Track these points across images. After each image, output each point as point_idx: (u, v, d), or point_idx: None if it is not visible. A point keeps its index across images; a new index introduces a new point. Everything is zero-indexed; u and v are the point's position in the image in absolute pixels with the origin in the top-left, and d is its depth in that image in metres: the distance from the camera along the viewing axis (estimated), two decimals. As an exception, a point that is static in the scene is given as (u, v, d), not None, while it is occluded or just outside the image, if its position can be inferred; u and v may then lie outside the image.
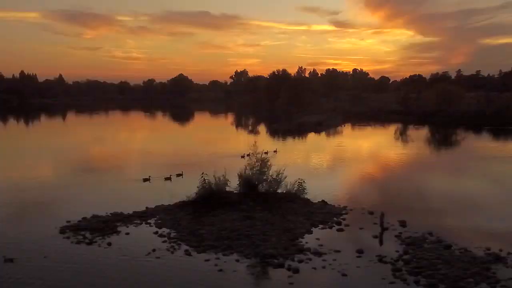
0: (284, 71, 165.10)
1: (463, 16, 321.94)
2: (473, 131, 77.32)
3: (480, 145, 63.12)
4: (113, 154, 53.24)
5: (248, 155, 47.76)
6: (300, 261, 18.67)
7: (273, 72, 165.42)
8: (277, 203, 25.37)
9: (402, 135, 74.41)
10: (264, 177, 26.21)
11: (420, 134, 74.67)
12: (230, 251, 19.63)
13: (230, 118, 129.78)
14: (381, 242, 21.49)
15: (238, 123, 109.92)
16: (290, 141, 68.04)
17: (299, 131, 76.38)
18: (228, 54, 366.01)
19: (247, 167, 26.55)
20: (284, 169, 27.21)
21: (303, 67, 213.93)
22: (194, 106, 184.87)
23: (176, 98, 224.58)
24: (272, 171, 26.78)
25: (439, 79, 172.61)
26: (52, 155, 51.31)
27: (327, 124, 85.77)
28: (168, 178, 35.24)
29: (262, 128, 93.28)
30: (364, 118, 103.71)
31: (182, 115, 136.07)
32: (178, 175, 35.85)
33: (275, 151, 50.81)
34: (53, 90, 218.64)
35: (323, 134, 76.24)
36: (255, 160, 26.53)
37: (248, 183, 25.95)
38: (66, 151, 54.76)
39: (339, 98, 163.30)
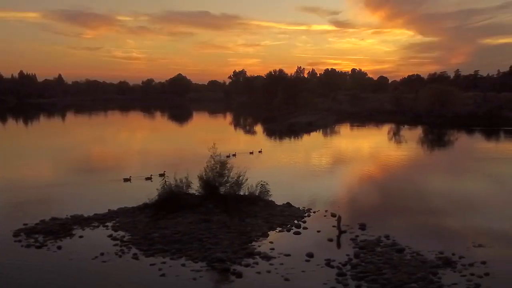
0: (281, 71, 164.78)
1: (463, 16, 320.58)
2: (464, 132, 76.73)
3: (465, 146, 62.87)
4: (102, 154, 53.53)
5: (234, 155, 48.63)
6: (247, 265, 18.48)
7: (270, 72, 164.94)
8: (238, 205, 25.13)
9: (390, 135, 74.05)
10: (225, 180, 25.91)
11: (409, 135, 74.19)
12: (179, 255, 19.47)
13: (227, 118, 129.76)
14: (335, 246, 21.24)
15: (234, 124, 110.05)
16: (278, 141, 68.14)
17: (290, 132, 76.27)
18: (228, 54, 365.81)
19: (207, 169, 26.24)
20: (246, 171, 26.92)
21: (302, 67, 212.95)
22: (193, 106, 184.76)
23: (175, 98, 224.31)
24: (233, 173, 26.44)
25: (437, 79, 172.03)
26: (37, 156, 51.33)
27: (318, 125, 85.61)
28: (149, 178, 35.09)
29: (255, 128, 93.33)
30: (358, 118, 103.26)
31: (179, 115, 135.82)
32: (161, 175, 35.41)
33: (260, 151, 51.05)
34: (52, 90, 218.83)
35: (312, 134, 76.06)
36: (214, 162, 26.18)
37: (208, 185, 25.71)
38: (53, 152, 54.95)
39: (337, 98, 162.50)
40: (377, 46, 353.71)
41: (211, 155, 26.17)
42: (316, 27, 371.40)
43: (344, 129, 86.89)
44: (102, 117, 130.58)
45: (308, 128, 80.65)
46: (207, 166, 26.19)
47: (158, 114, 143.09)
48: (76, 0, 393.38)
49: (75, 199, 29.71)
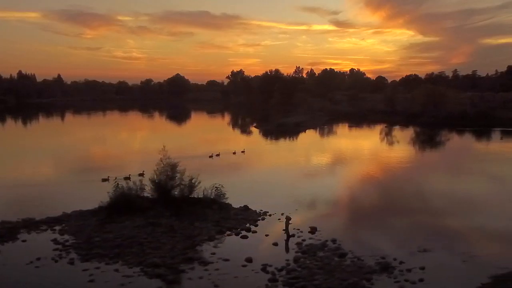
0: (277, 71, 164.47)
1: (463, 16, 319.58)
2: (452, 132, 76.06)
3: (446, 147, 62.42)
4: (90, 154, 53.66)
5: (217, 155, 48.66)
6: (181, 271, 18.25)
7: (266, 72, 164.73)
8: (190, 208, 24.90)
9: (377, 136, 73.83)
10: (177, 183, 25.67)
11: (396, 136, 73.53)
12: (115, 260, 19.22)
13: (222, 118, 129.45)
14: (279, 250, 20.92)
15: (227, 124, 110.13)
16: (263, 141, 68.11)
17: (278, 132, 75.88)
18: (228, 54, 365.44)
19: (157, 172, 26.01)
20: (199, 174, 26.66)
21: (300, 67, 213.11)
22: (191, 106, 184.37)
23: (173, 98, 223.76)
24: (186, 176, 26.19)
25: (434, 79, 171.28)
26: (20, 155, 51.12)
27: (307, 125, 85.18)
28: (127, 178, 34.69)
29: (245, 128, 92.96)
30: (352, 118, 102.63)
31: (176, 116, 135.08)
32: (140, 174, 35.25)
33: (243, 151, 51.14)
34: (51, 90, 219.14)
35: (299, 135, 75.52)
36: (163, 165, 25.92)
37: (160, 188, 25.50)
38: (38, 151, 55.04)
39: (333, 98, 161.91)
40: (377, 46, 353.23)
41: (160, 158, 25.86)
42: (316, 27, 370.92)
43: (333, 130, 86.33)
44: (98, 117, 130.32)
45: (296, 129, 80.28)
46: (157, 169, 25.96)
47: (155, 114, 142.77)
48: (76, 0, 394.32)
49: (38, 200, 29.49)
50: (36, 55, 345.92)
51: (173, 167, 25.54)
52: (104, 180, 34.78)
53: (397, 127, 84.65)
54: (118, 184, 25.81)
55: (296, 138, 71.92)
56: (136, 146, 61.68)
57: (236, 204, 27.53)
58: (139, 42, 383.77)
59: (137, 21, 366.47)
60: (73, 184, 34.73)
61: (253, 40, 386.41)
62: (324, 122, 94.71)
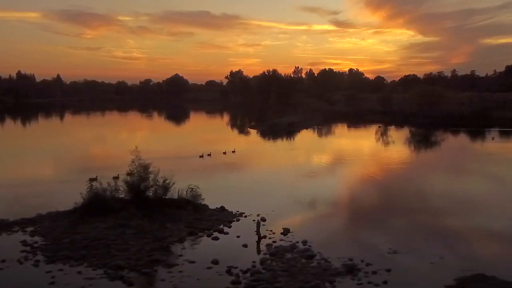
0: (274, 71, 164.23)
1: (463, 16, 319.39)
2: (449, 132, 75.72)
3: (433, 148, 62.17)
4: (85, 154, 53.42)
5: (209, 154, 48.62)
6: (144, 274, 18.10)
7: (264, 72, 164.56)
8: (163, 209, 24.75)
9: (371, 137, 73.45)
10: (150, 184, 25.51)
11: (390, 136, 73.31)
12: (81, 262, 19.08)
13: (220, 118, 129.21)
14: (247, 252, 20.72)
15: (225, 124, 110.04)
16: (255, 141, 67.92)
17: (272, 132, 75.66)
18: (228, 54, 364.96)
19: (130, 173, 25.86)
20: (173, 175, 26.47)
21: (299, 67, 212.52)
22: (190, 106, 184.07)
23: (173, 98, 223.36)
24: (160, 177, 26.03)
25: (433, 78, 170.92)
26: (10, 155, 51.15)
27: (300, 126, 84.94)
28: (116, 177, 34.46)
29: (241, 129, 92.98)
30: (348, 119, 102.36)
31: (174, 116, 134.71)
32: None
33: (233, 151, 51.13)
34: (50, 90, 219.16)
35: (291, 135, 75.11)
36: (136, 166, 25.78)
37: (133, 189, 25.34)
38: (31, 151, 55.12)
39: (331, 98, 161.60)
40: (377, 46, 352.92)
41: (132, 160, 25.71)
42: (316, 27, 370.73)
43: (326, 130, 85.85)
44: (96, 117, 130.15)
45: (289, 129, 80.00)
46: (130, 169, 25.83)
47: (154, 114, 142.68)
48: (76, 0, 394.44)
49: (16, 201, 29.51)
50: (36, 55, 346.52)
51: (145, 168, 25.38)
52: (92, 179, 34.46)
53: (391, 127, 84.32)
54: (92, 185, 25.65)
55: (288, 139, 71.53)
56: (132, 146, 61.21)
57: (214, 205, 27.36)
58: (139, 42, 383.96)
59: (137, 21, 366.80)
60: (60, 184, 34.74)
61: (253, 40, 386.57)
62: (319, 123, 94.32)
